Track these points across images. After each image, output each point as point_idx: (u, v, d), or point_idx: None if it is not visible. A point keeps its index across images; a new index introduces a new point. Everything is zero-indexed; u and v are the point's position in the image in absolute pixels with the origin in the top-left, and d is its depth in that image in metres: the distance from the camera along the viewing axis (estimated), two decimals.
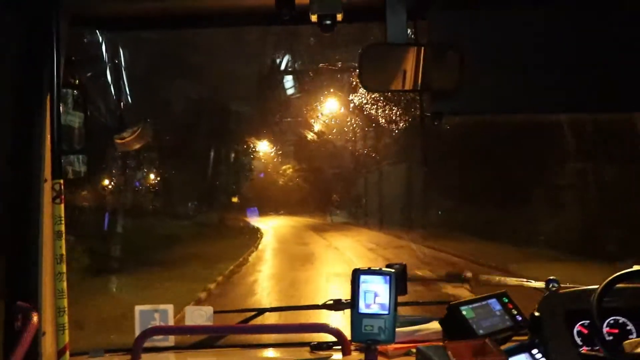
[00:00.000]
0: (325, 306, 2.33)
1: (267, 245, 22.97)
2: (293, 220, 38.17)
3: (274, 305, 8.28)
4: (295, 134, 33.47)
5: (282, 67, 23.13)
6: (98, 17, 2.08)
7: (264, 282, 12.46)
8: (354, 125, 29.74)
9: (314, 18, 1.81)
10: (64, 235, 1.86)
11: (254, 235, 25.35)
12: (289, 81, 24.13)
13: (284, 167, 42.29)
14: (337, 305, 2.31)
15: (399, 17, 1.79)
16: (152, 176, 22.53)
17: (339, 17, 1.81)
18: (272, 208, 42.21)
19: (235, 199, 35.45)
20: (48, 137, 1.83)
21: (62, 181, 1.85)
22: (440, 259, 15.28)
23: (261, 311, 2.34)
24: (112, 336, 5.74)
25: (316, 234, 27.04)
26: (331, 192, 39.28)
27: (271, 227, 31.79)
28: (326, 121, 30.99)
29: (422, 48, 1.77)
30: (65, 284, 1.87)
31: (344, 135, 31.67)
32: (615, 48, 1.81)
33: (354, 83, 21.94)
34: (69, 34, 1.90)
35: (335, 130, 31.54)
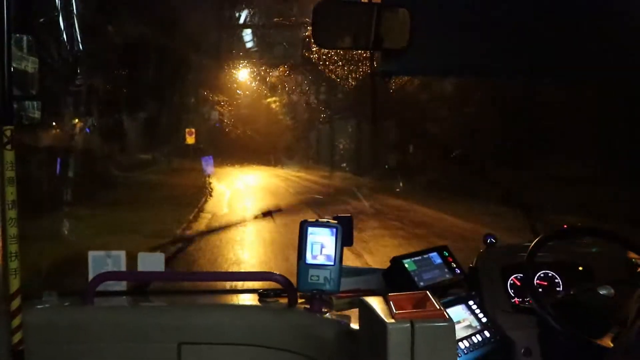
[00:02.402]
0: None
1: None
2: (277, 175, 24.44)
3: None
4: None
5: (242, 20, 22.71)
6: None
7: None
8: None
9: None
10: (15, 181, 1.84)
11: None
12: (247, 34, 23.66)
13: (268, 101, 34.86)
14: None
15: None
16: (103, 123, 20.29)
17: None
18: (247, 157, 28.96)
19: (191, 141, 29.78)
20: None
21: (13, 127, 1.82)
22: None
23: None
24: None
25: None
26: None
27: (234, 190, 18.49)
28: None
29: (375, 5, 1.80)
30: (16, 229, 1.86)
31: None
32: (578, 18, 1.83)
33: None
34: None
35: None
